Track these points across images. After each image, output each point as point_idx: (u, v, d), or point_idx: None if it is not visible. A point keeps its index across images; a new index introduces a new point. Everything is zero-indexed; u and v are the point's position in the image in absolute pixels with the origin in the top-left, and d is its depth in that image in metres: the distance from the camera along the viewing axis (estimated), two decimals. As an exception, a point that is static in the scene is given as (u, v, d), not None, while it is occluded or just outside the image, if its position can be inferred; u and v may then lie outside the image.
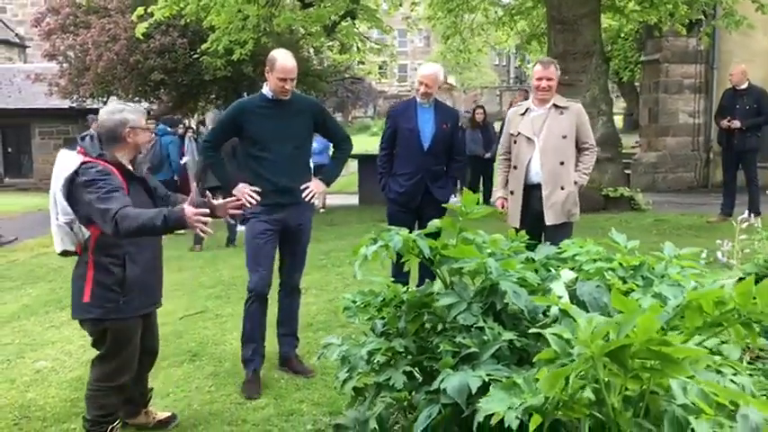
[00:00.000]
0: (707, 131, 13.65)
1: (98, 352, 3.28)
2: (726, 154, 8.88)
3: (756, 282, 5.06)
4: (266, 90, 4.11)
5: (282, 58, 4.00)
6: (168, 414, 3.64)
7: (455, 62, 18.70)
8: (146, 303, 3.30)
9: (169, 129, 11.29)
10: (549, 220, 4.61)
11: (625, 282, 2.37)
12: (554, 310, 2.20)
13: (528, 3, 13.80)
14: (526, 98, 7.66)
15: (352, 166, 16.72)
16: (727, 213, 8.46)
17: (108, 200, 2.96)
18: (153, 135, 3.33)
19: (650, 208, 10.34)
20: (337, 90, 35.45)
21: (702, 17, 12.11)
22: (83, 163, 3.08)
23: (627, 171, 13.41)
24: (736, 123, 8.33)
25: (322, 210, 13.06)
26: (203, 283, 6.87)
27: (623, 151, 13.01)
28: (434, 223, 2.56)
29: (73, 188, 3.06)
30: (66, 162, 3.13)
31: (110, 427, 3.25)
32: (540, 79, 4.64)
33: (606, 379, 1.62)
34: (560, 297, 2.22)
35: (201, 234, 3.04)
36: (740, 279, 4.81)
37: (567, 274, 2.40)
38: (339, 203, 13.59)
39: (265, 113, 4.07)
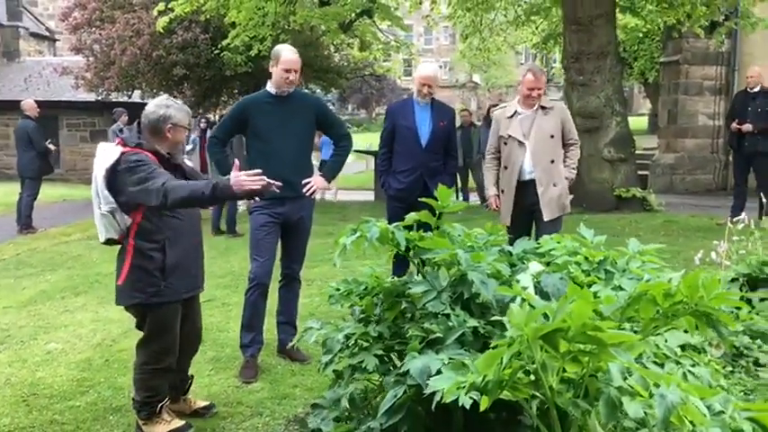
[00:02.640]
0: (726, 134, 13.57)
1: (141, 335, 3.41)
2: (737, 156, 8.88)
3: (750, 284, 5.05)
4: (270, 86, 4.31)
5: (287, 51, 4.27)
6: (206, 403, 3.71)
7: (479, 60, 18.72)
8: (186, 287, 3.41)
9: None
10: (547, 215, 4.82)
11: (588, 275, 2.48)
12: (518, 301, 2.32)
13: (546, 3, 13.82)
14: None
15: (370, 163, 16.90)
16: (736, 216, 8.44)
17: (154, 178, 3.11)
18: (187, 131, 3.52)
19: (662, 209, 10.33)
20: (361, 87, 35.61)
21: (723, 18, 12.04)
22: (123, 153, 3.24)
23: (645, 172, 13.37)
24: (748, 127, 8.31)
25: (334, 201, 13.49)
26: (214, 273, 7.04)
27: (642, 152, 12.96)
28: (412, 216, 2.68)
29: (114, 177, 3.21)
30: (107, 153, 3.27)
31: (159, 406, 3.39)
32: (531, 89, 4.79)
33: (543, 361, 1.73)
34: (525, 288, 2.34)
35: (256, 189, 3.09)
36: (733, 280, 4.87)
37: (534, 267, 2.51)
38: (355, 199, 13.75)
39: (269, 109, 4.26)
